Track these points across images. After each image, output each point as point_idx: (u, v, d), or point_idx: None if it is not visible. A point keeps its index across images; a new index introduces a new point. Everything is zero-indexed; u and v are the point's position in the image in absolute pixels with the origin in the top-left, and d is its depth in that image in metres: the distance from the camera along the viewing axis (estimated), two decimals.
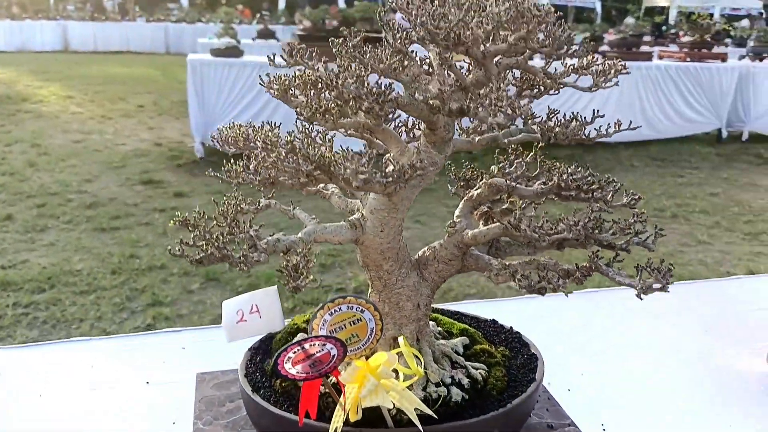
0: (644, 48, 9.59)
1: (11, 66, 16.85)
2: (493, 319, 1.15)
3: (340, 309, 0.81)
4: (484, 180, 0.98)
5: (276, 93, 0.85)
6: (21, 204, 6.04)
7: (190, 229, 0.78)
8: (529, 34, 0.73)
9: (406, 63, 0.76)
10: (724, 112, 9.48)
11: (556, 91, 0.80)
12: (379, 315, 0.82)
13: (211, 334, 1.58)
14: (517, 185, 0.91)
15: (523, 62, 0.78)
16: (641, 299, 0.82)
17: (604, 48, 9.68)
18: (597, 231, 0.81)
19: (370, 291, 0.97)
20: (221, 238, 0.72)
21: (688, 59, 9.27)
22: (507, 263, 0.91)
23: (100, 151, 8.22)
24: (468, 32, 0.71)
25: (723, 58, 9.40)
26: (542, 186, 0.90)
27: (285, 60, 0.81)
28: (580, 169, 0.84)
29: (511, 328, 1.13)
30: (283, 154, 0.73)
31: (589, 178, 0.82)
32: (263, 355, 1.08)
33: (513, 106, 0.69)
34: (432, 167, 0.87)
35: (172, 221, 0.78)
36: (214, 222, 0.81)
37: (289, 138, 0.74)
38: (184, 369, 1.34)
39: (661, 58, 9.65)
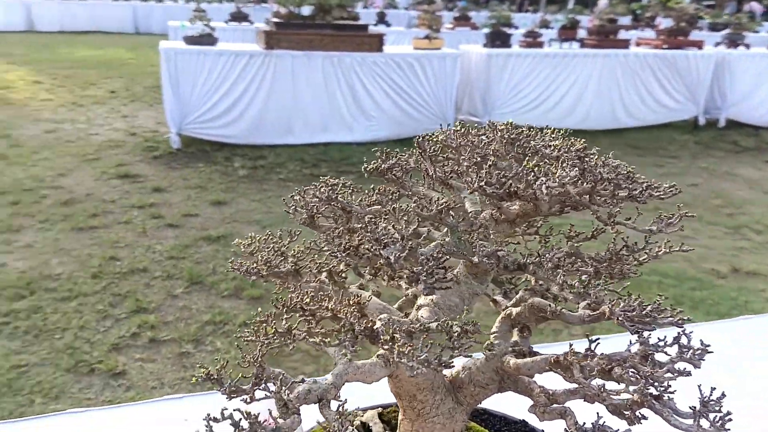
0: (621, 34, 9.55)
1: None
2: (523, 420, 1.10)
3: None
4: (521, 295, 0.92)
5: (303, 220, 0.78)
6: None
7: (214, 385, 0.71)
8: (594, 189, 0.67)
9: (452, 204, 0.70)
10: (701, 99, 9.54)
11: (614, 232, 0.74)
12: None
13: (214, 400, 1.50)
14: (562, 311, 0.85)
15: (576, 197, 0.72)
16: None
17: (582, 35, 9.64)
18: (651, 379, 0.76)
19: (401, 419, 0.92)
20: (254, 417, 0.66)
21: (665, 46, 9.27)
22: (551, 392, 0.86)
23: (72, 141, 7.98)
24: (530, 191, 0.65)
25: (699, 45, 9.42)
26: (589, 312, 0.84)
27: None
28: (633, 300, 0.79)
29: None
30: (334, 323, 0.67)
31: (645, 316, 0.77)
32: None
33: (594, 297, 0.64)
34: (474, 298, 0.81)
35: (194, 378, 0.71)
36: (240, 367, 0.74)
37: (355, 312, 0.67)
38: None
39: (638, 45, 9.64)
